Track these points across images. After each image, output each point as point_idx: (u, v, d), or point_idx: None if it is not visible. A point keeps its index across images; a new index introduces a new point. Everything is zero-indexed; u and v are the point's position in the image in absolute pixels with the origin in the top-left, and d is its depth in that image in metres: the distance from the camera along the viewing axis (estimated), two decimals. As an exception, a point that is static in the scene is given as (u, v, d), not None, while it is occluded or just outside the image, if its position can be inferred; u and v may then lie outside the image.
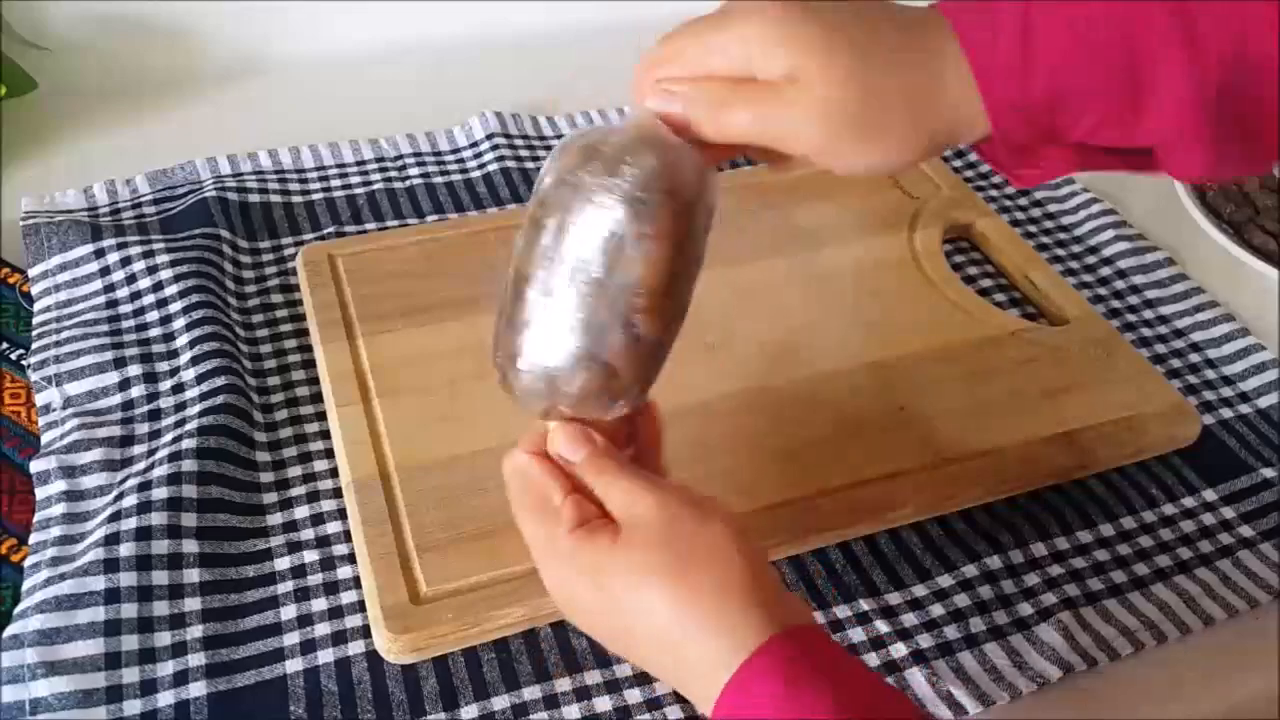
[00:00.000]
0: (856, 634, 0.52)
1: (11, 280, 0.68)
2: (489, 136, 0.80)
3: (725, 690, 0.39)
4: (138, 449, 0.57)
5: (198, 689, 0.48)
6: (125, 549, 0.51)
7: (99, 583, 0.50)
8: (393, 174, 0.77)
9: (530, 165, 0.79)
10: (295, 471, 0.57)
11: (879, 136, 0.41)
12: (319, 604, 0.52)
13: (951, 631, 0.53)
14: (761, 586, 0.40)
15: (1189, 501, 0.60)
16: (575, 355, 0.41)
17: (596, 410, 0.44)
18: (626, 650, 0.44)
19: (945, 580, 0.55)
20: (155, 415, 0.59)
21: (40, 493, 0.55)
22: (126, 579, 0.51)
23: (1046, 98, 0.40)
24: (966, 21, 0.40)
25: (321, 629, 0.51)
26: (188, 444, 0.56)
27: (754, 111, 0.41)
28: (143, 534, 0.52)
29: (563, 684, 0.50)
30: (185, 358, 0.61)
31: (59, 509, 0.54)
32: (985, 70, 0.40)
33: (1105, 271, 0.74)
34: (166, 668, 0.49)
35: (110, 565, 0.51)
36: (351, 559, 0.53)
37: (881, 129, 0.41)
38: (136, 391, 0.60)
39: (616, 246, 0.39)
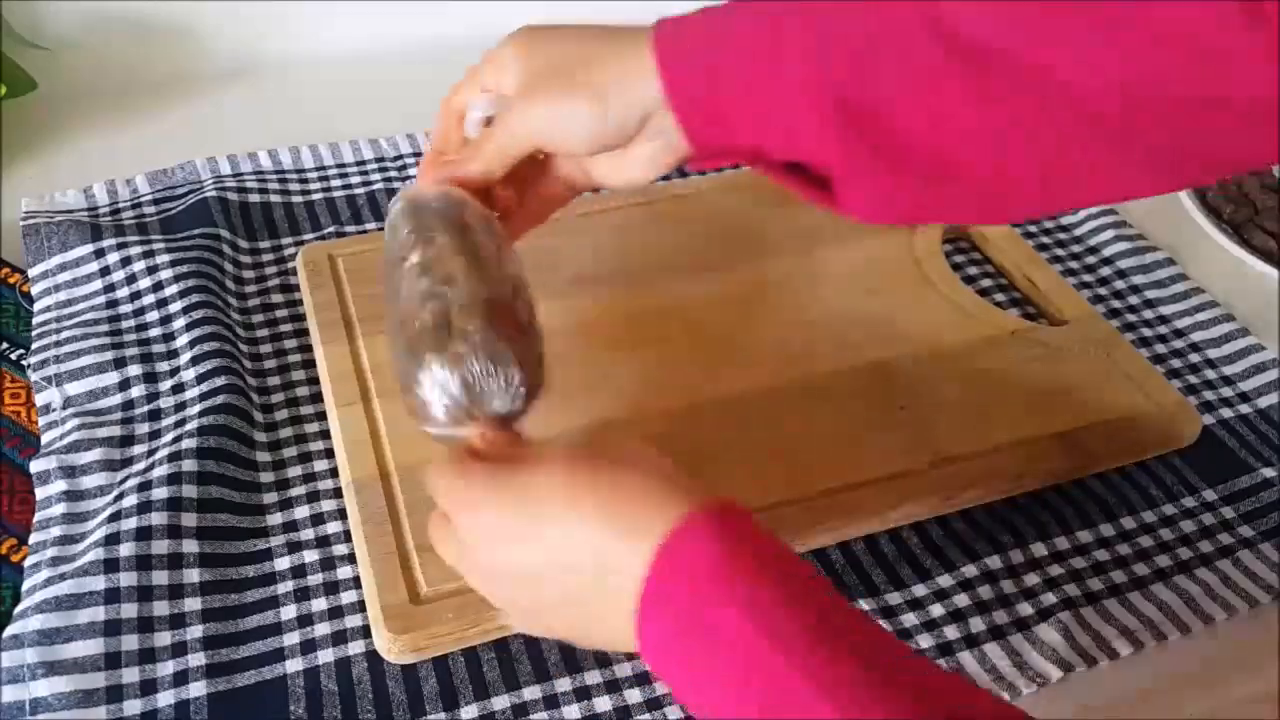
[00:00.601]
0: (856, 634, 0.52)
1: (11, 280, 0.68)
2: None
3: (654, 560, 0.37)
4: (138, 449, 0.57)
5: (198, 689, 0.48)
6: (125, 549, 0.51)
7: (99, 583, 0.50)
8: (393, 174, 0.77)
9: (530, 165, 0.79)
10: (295, 471, 0.57)
11: (577, 90, 0.47)
12: (319, 604, 0.52)
13: (951, 631, 0.53)
14: (690, 482, 0.39)
15: (1189, 501, 0.60)
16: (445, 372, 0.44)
17: (502, 407, 0.44)
18: (542, 594, 0.41)
19: (945, 580, 0.55)
20: (155, 415, 0.59)
21: (40, 493, 0.55)
22: (126, 579, 0.51)
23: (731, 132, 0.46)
24: (664, 48, 0.46)
25: (321, 629, 0.51)
26: (188, 444, 0.56)
27: (494, 141, 0.49)
28: (143, 534, 0.52)
29: (563, 684, 0.50)
30: (185, 358, 0.61)
31: (59, 509, 0.54)
32: (675, 98, 0.46)
33: (1105, 271, 0.74)
34: (166, 667, 0.49)
35: (110, 565, 0.51)
36: (351, 559, 0.53)
37: (577, 84, 0.47)
38: (136, 391, 0.60)
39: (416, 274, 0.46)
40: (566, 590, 0.40)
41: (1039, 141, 0.42)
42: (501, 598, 0.43)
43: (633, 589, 0.37)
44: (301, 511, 0.56)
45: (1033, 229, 0.77)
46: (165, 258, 0.67)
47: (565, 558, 0.40)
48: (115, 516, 0.53)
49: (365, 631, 0.51)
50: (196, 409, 0.58)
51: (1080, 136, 0.41)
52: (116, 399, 0.60)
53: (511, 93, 0.49)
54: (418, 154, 0.79)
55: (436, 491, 0.43)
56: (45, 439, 0.58)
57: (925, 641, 0.52)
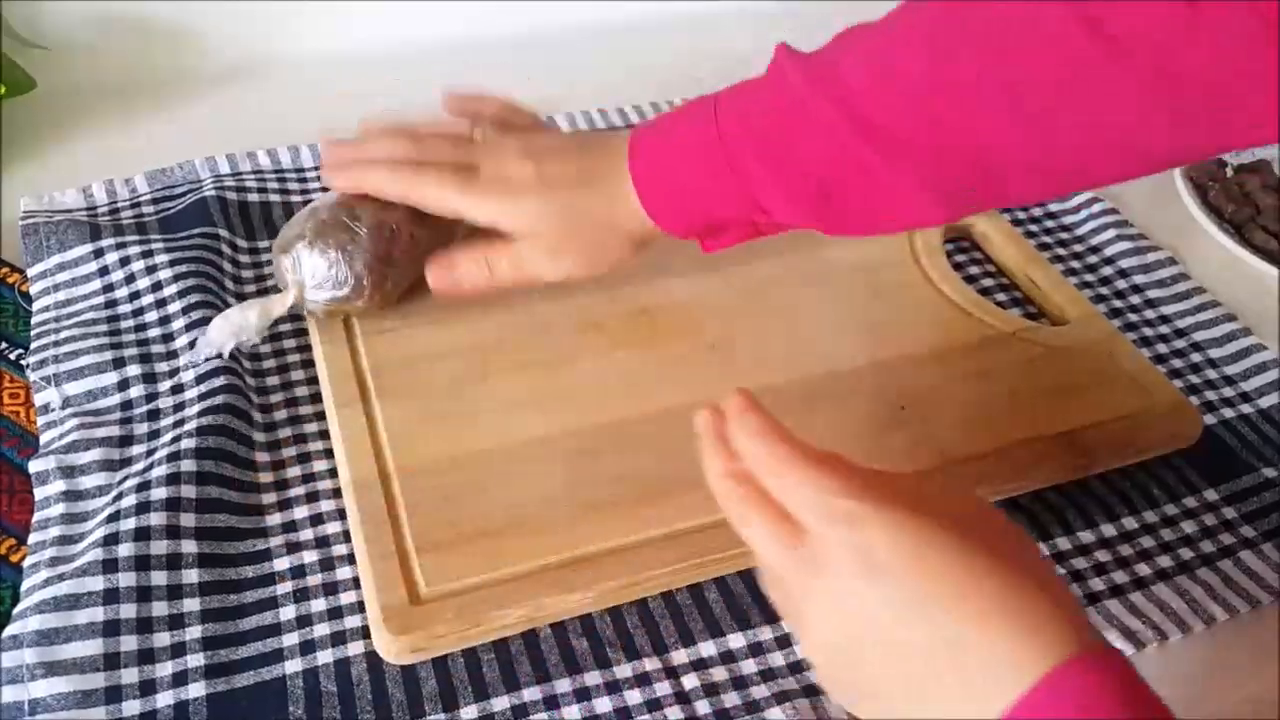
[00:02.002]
0: (857, 634, 0.52)
1: (11, 280, 0.68)
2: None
3: (1037, 687, 0.34)
4: (136, 449, 0.57)
5: (197, 689, 0.48)
6: (124, 549, 0.51)
7: (98, 583, 0.50)
8: (392, 174, 0.77)
9: (530, 165, 0.79)
10: (294, 471, 0.57)
11: (570, 255, 0.57)
12: (318, 604, 0.52)
13: (952, 632, 0.53)
14: (1065, 595, 0.38)
15: (1190, 501, 0.60)
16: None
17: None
18: (880, 666, 0.38)
19: (946, 580, 0.55)
20: (154, 415, 0.59)
21: (39, 493, 0.55)
22: (125, 580, 0.51)
23: (702, 229, 0.56)
24: (640, 161, 0.55)
25: (321, 629, 0.51)
26: (186, 444, 0.56)
27: (497, 272, 0.59)
28: (141, 534, 0.52)
29: (562, 685, 0.49)
30: (185, 358, 0.61)
31: (58, 509, 0.54)
32: (651, 209, 0.55)
33: (1107, 271, 0.74)
34: (165, 668, 0.49)
35: (109, 566, 0.51)
36: (351, 559, 0.53)
37: (572, 251, 0.57)
38: (135, 391, 0.60)
39: None
40: (924, 677, 0.37)
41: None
42: (844, 666, 0.40)
43: (1001, 705, 0.35)
44: (301, 512, 0.55)
45: (1034, 229, 0.77)
46: (164, 257, 0.67)
47: (944, 651, 0.37)
48: (114, 517, 0.53)
49: (365, 632, 0.51)
50: (195, 409, 0.58)
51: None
52: (115, 399, 0.60)
53: (505, 171, 0.57)
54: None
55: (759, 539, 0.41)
56: (44, 439, 0.58)
57: (926, 642, 0.52)
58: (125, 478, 0.55)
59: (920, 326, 0.65)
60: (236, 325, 0.59)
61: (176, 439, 0.56)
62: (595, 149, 0.57)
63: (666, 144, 0.55)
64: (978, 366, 0.63)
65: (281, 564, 0.53)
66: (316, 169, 0.77)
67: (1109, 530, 0.58)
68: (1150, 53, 0.43)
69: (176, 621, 0.50)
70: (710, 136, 0.53)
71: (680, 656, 0.51)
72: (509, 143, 0.59)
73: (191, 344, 0.61)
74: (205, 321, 0.63)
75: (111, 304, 0.65)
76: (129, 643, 0.49)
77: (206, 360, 0.59)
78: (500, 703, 0.49)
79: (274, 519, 0.55)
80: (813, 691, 0.50)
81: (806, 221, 0.53)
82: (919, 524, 0.38)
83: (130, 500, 0.53)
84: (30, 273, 0.67)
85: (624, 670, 0.50)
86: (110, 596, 0.50)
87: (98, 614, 0.49)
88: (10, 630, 0.49)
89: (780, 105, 0.51)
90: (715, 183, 0.53)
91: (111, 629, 0.49)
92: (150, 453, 0.57)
